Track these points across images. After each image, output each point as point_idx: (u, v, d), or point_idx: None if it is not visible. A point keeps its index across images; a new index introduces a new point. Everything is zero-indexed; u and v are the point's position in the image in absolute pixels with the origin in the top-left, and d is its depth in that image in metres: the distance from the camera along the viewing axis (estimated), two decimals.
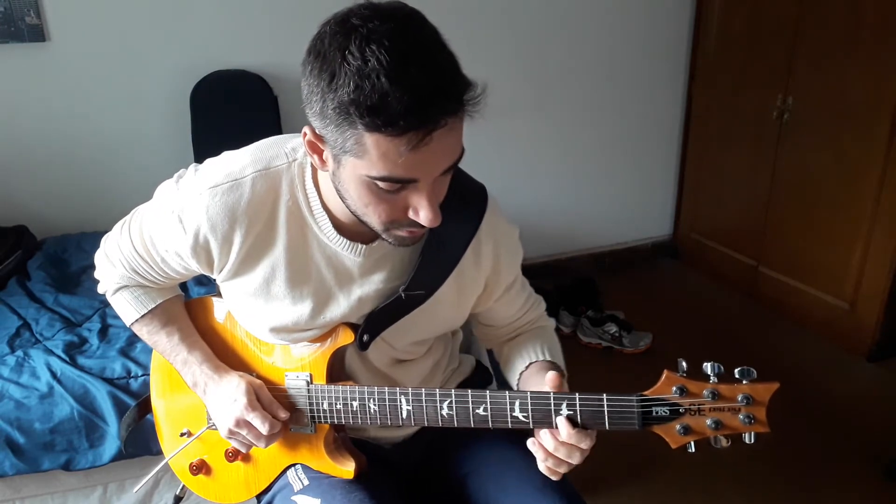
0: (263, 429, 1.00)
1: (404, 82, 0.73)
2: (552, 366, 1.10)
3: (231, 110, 2.44)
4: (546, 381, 0.92)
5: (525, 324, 1.19)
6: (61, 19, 2.29)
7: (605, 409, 0.87)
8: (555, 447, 0.90)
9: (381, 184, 0.80)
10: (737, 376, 0.83)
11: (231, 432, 1.04)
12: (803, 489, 1.97)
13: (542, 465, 0.93)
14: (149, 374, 1.53)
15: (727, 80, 2.98)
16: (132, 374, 1.58)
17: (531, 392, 0.90)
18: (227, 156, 0.98)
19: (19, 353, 1.64)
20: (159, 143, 2.50)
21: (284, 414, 1.04)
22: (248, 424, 1.01)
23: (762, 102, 2.77)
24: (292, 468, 1.10)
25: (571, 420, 0.89)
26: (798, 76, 2.62)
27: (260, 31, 2.50)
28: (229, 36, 2.49)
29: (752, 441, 0.84)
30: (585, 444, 0.90)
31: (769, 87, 2.73)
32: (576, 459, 0.91)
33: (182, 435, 1.17)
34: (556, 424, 0.90)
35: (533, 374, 1.08)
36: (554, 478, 0.95)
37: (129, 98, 2.43)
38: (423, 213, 0.84)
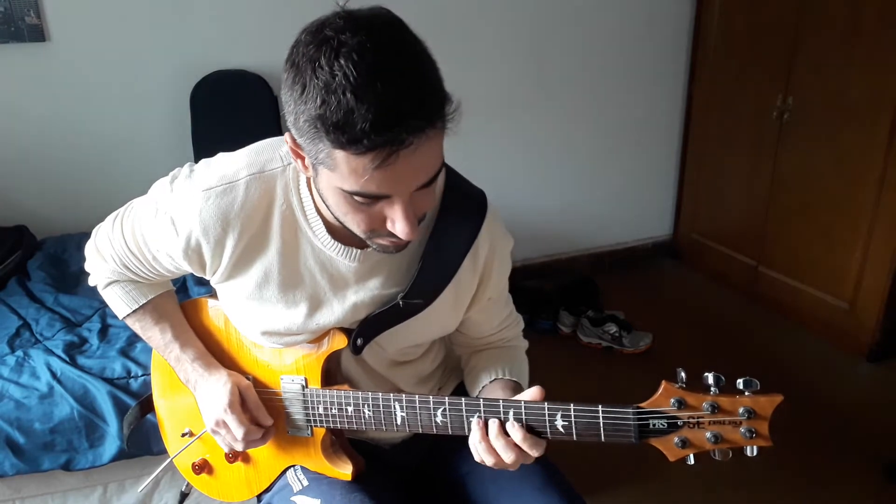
0: (238, 432, 1.00)
1: (369, 99, 0.71)
2: (516, 385, 1.08)
3: (231, 110, 2.44)
4: (525, 396, 0.91)
5: (499, 339, 1.18)
6: (61, 19, 2.29)
7: (601, 421, 0.85)
8: (495, 437, 0.89)
9: (355, 196, 0.80)
10: (739, 387, 0.80)
11: (213, 430, 1.05)
12: (803, 489, 1.97)
13: (477, 447, 0.91)
14: (149, 374, 1.54)
15: (727, 80, 2.98)
16: (132, 374, 1.58)
17: (525, 402, 0.89)
18: (222, 158, 0.98)
19: (19, 353, 1.64)
20: (159, 143, 2.50)
21: (268, 421, 1.04)
22: (226, 425, 1.02)
23: (762, 102, 2.77)
24: (292, 469, 1.10)
25: (524, 424, 0.88)
26: (798, 76, 2.62)
27: (260, 31, 2.50)
28: (229, 36, 2.49)
29: (755, 454, 0.81)
30: (536, 453, 0.88)
31: (769, 87, 2.73)
32: (508, 459, 0.89)
33: (184, 435, 1.17)
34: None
35: (495, 390, 1.06)
36: (488, 462, 0.91)
37: (130, 98, 2.43)
38: (398, 227, 0.82)
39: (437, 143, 0.79)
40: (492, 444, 0.90)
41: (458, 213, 0.99)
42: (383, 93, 0.71)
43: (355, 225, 0.85)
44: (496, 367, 1.11)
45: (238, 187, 0.93)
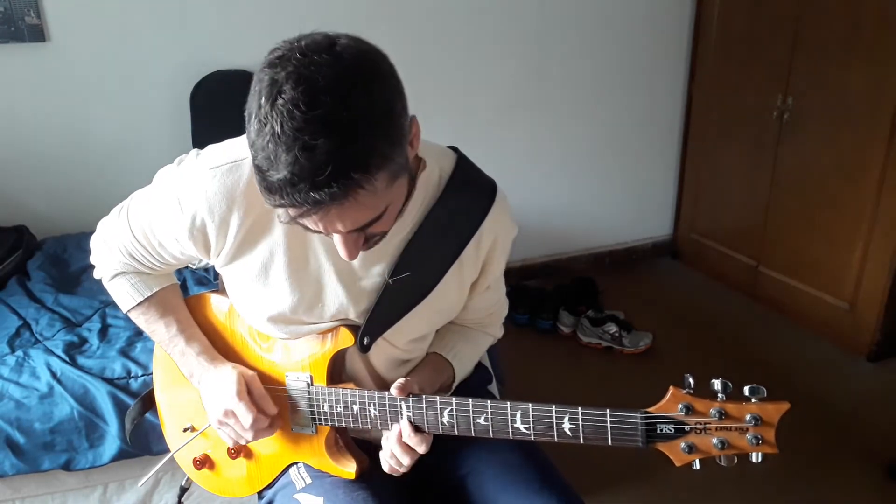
0: (247, 420, 1.00)
1: (287, 160, 0.71)
2: (450, 369, 1.13)
3: (231, 110, 2.40)
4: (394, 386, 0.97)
5: (477, 324, 1.20)
6: (61, 19, 2.28)
7: (608, 424, 0.86)
8: (394, 443, 0.97)
9: None
10: (746, 394, 0.81)
11: (220, 423, 1.04)
12: (803, 488, 1.97)
13: (383, 462, 1.00)
14: (149, 374, 1.54)
15: (727, 80, 2.98)
16: (132, 374, 1.58)
17: (533, 404, 0.90)
18: (230, 140, 0.99)
19: (19, 353, 1.63)
20: (159, 142, 2.49)
21: (273, 409, 1.04)
22: (234, 414, 1.02)
23: (762, 102, 2.77)
24: (294, 466, 1.10)
25: (412, 423, 0.95)
26: (798, 76, 2.62)
27: (260, 31, 2.50)
28: (229, 36, 2.49)
29: (760, 461, 0.82)
30: (422, 449, 0.95)
31: (769, 87, 2.73)
32: (406, 462, 0.97)
33: (185, 430, 1.17)
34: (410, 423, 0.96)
35: (425, 364, 1.12)
36: (390, 472, 1.00)
37: (129, 98, 2.43)
38: (339, 252, 0.85)
39: (358, 206, 0.77)
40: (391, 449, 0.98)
41: (465, 197, 1.00)
42: (298, 160, 0.71)
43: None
44: (443, 342, 1.15)
45: (243, 166, 0.93)
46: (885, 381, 2.45)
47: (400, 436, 0.96)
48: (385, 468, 1.01)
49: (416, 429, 0.96)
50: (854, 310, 2.56)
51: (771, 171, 2.81)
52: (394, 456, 0.98)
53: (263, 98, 0.73)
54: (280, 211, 0.78)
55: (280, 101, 0.71)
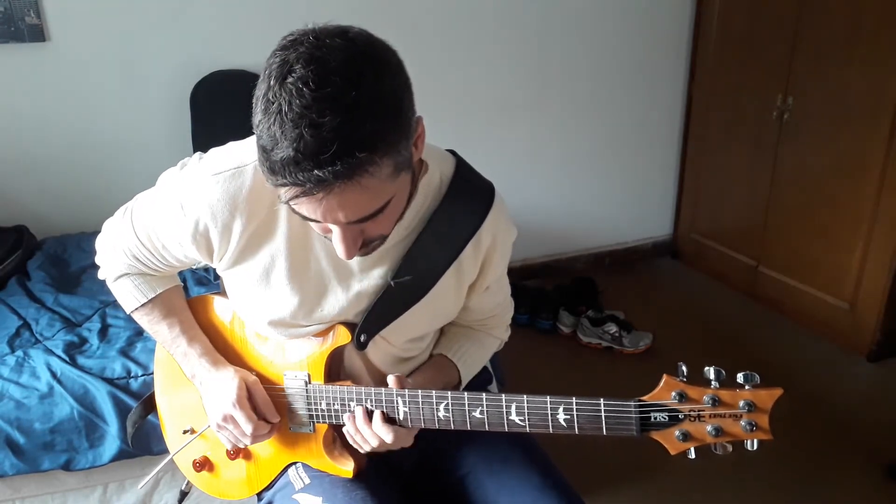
0: (247, 427, 1.01)
1: (292, 137, 0.71)
2: (454, 370, 1.13)
3: (231, 110, 2.42)
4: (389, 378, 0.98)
5: (481, 326, 1.20)
6: (61, 19, 2.28)
7: (603, 414, 0.86)
8: (361, 425, 0.98)
9: None
10: (739, 381, 0.81)
11: (219, 426, 1.05)
12: (803, 489, 1.97)
13: (346, 433, 1.01)
14: (149, 374, 1.54)
15: (727, 80, 2.98)
16: (132, 374, 1.58)
17: (528, 396, 0.90)
18: (232, 145, 0.98)
19: (19, 353, 1.63)
20: (159, 142, 2.49)
21: (276, 417, 1.05)
22: (234, 420, 1.02)
23: (762, 102, 2.77)
24: (293, 466, 1.11)
25: (385, 415, 0.97)
26: (798, 76, 2.62)
27: (260, 31, 2.50)
28: (229, 36, 2.49)
29: (755, 448, 0.82)
30: (389, 439, 0.96)
31: (769, 87, 2.73)
32: (374, 443, 0.98)
33: (185, 432, 1.17)
34: (398, 415, 0.97)
35: (428, 365, 1.13)
36: (355, 447, 1.01)
37: (129, 98, 2.43)
38: (336, 249, 0.84)
39: (361, 191, 0.76)
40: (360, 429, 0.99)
41: (464, 201, 1.00)
42: (304, 137, 0.71)
43: (313, 227, 0.86)
44: (448, 343, 1.15)
45: (246, 172, 0.93)
46: (885, 381, 2.45)
47: (370, 423, 0.97)
48: (350, 441, 1.02)
49: (388, 420, 0.97)
50: (854, 310, 2.56)
51: (771, 171, 2.81)
52: (359, 433, 0.99)
53: (273, 78, 0.73)
54: (282, 191, 0.77)
55: (290, 79, 0.72)
